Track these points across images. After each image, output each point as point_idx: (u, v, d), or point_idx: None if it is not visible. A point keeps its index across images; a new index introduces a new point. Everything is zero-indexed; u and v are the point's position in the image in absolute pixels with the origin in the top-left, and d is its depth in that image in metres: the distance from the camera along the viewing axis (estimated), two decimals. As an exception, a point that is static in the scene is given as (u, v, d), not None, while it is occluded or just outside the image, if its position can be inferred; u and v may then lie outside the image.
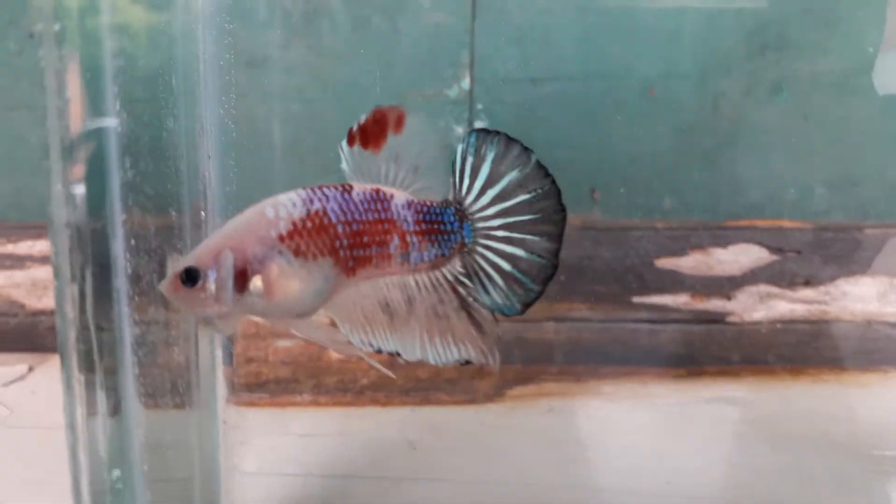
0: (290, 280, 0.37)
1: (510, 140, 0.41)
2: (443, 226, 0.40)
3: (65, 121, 0.38)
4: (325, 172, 0.41)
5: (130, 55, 0.39)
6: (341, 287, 0.38)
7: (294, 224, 0.37)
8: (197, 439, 0.48)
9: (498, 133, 0.42)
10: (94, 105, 0.39)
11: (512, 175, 0.42)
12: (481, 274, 0.41)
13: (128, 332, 0.43)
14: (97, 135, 0.39)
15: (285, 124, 0.76)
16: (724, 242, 0.75)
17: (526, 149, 0.42)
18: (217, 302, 0.36)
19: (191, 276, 0.36)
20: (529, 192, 0.41)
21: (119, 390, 0.44)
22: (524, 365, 0.73)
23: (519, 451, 0.58)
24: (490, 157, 0.41)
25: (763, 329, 0.75)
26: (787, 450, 0.59)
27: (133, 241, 0.42)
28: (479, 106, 0.78)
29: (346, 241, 0.38)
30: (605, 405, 0.65)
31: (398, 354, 0.42)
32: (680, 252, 0.75)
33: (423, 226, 0.40)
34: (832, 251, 0.75)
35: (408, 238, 0.39)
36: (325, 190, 0.38)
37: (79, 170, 0.39)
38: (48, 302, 0.78)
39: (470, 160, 0.41)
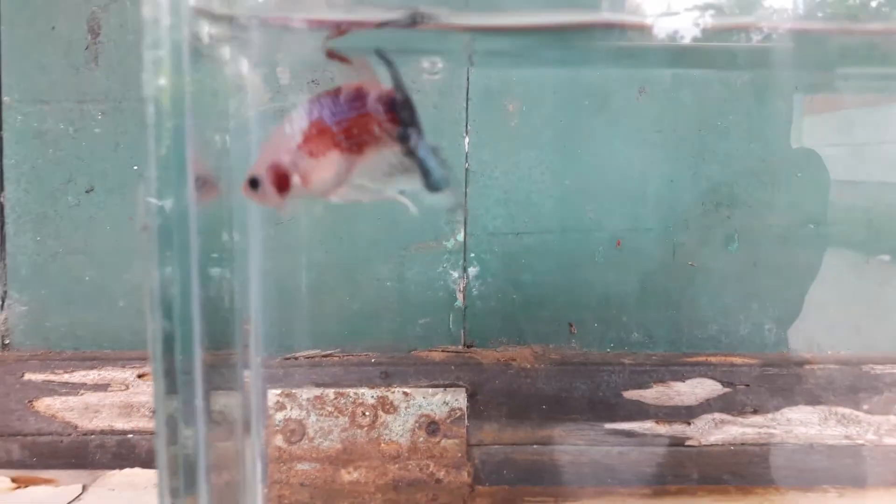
0: (313, 173, 0.48)
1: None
2: (402, 112, 0.49)
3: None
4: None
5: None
6: (354, 162, 0.49)
7: (304, 133, 0.48)
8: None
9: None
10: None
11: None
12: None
13: (203, 453, 0.48)
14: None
15: (309, 271, 0.89)
16: (682, 377, 0.86)
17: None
18: (272, 199, 0.48)
19: (253, 184, 0.48)
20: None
21: None
22: (511, 486, 0.85)
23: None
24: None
25: (718, 451, 0.86)
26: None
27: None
28: (472, 255, 0.90)
29: (342, 137, 0.48)
30: (578, 528, 0.76)
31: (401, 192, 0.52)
32: (644, 385, 0.86)
33: (391, 114, 0.49)
34: (777, 384, 0.87)
35: (383, 125, 0.49)
36: (321, 99, 0.48)
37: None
38: (98, 423, 0.89)
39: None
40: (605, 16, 0.51)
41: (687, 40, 0.51)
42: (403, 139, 0.50)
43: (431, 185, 0.51)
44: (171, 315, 0.41)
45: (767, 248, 0.90)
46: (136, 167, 0.93)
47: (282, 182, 0.49)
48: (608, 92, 0.89)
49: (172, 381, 0.44)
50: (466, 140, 0.89)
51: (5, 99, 0.92)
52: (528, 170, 0.89)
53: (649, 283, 0.90)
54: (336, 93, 0.48)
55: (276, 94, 0.55)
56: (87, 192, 0.93)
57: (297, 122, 0.48)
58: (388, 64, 0.48)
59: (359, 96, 0.48)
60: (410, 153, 0.50)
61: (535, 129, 0.89)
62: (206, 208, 0.43)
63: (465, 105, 0.89)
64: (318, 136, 0.49)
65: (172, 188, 0.36)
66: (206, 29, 0.38)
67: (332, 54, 0.50)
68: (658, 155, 0.90)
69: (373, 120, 0.48)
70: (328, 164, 0.49)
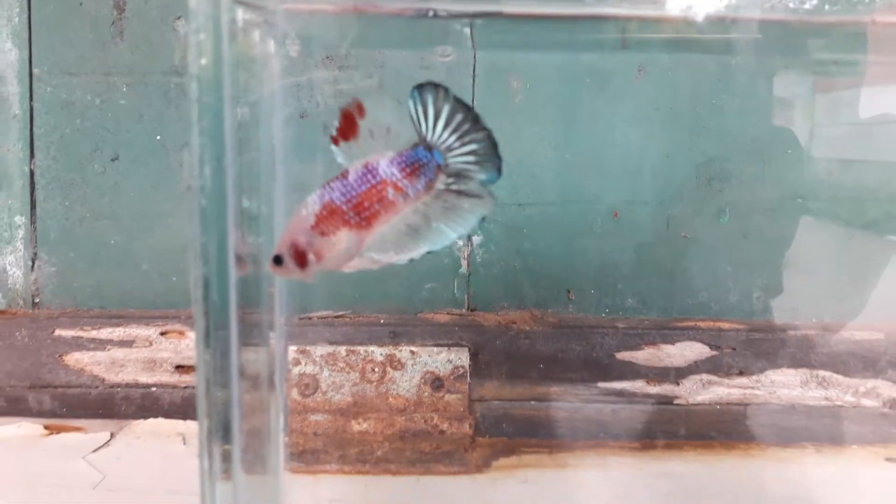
0: (324, 250, 0.53)
1: (436, 85, 0.53)
2: (419, 161, 0.52)
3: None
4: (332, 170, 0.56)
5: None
6: (367, 236, 0.53)
7: (316, 216, 0.52)
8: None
9: (425, 84, 0.53)
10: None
11: (446, 107, 0.52)
12: (462, 171, 0.54)
13: (237, 402, 0.53)
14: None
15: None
16: (672, 340, 0.92)
17: (445, 88, 0.53)
18: (295, 273, 0.54)
19: (277, 261, 0.53)
20: (460, 113, 0.53)
21: (232, 458, 0.53)
22: (509, 438, 0.91)
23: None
24: (430, 101, 0.52)
25: (704, 409, 0.92)
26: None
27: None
28: (477, 223, 0.95)
29: (352, 213, 0.52)
30: (570, 476, 0.82)
31: (429, 252, 0.54)
32: (636, 347, 0.92)
33: (407, 170, 0.52)
34: (762, 348, 0.92)
35: (399, 184, 0.52)
36: (331, 183, 0.53)
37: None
38: (124, 376, 0.95)
39: (420, 108, 0.52)
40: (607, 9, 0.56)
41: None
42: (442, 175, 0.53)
43: (497, 168, 0.55)
44: (209, 271, 0.46)
45: (757, 220, 0.95)
46: (158, 137, 0.98)
47: (300, 259, 0.54)
48: (609, 71, 0.94)
49: (209, 337, 0.49)
50: (472, 115, 0.94)
51: (35, 71, 0.97)
52: (530, 144, 0.94)
53: (644, 252, 0.95)
54: (344, 175, 0.53)
55: (287, 66, 0.59)
56: (112, 160, 0.98)
57: (311, 206, 0.53)
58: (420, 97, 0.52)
59: (367, 171, 0.52)
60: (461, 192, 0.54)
61: (538, 105, 0.94)
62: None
63: (471, 82, 0.94)
64: (328, 216, 0.53)
65: (211, 156, 0.42)
66: (241, 15, 0.43)
67: (343, 130, 0.54)
68: (655, 131, 0.94)
69: (387, 185, 0.52)
70: (338, 241, 0.54)
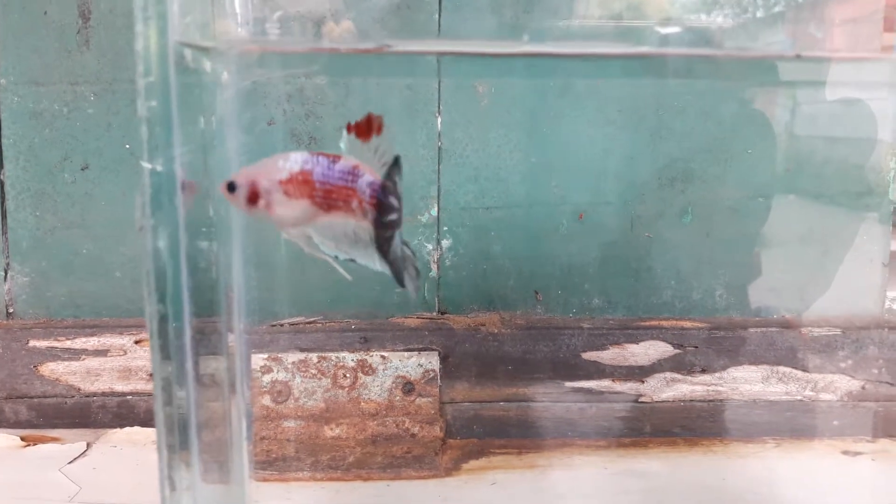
0: (278, 207, 0.54)
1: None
2: (387, 204, 0.55)
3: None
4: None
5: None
6: (319, 217, 0.55)
7: (290, 175, 0.54)
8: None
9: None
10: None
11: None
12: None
13: (193, 413, 0.54)
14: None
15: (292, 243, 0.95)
16: (636, 339, 0.94)
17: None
18: (240, 205, 0.55)
19: (230, 187, 0.54)
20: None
21: (191, 467, 0.54)
22: (479, 439, 0.93)
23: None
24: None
25: (668, 406, 0.95)
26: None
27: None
28: (445, 228, 0.97)
29: (320, 194, 0.54)
30: (538, 476, 0.84)
31: (353, 260, 0.58)
32: (602, 347, 0.94)
33: (374, 199, 0.54)
34: (724, 346, 0.94)
35: (362, 203, 0.54)
36: (319, 157, 0.54)
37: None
38: (99, 386, 0.96)
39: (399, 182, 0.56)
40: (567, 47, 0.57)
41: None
42: (379, 228, 0.56)
43: (399, 281, 0.58)
44: (164, 288, 0.47)
45: (719, 219, 0.97)
46: (127, 146, 0.99)
47: (252, 198, 0.55)
48: (572, 74, 0.95)
49: (166, 348, 0.51)
50: (439, 119, 0.95)
51: (1, 81, 0.97)
52: (497, 147, 0.95)
53: (609, 252, 0.97)
54: (334, 159, 0.55)
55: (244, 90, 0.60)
56: (82, 169, 0.98)
57: (290, 163, 0.55)
58: (397, 167, 0.54)
59: (352, 172, 0.54)
60: (383, 245, 0.56)
61: (503, 108, 0.95)
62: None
63: (436, 86, 0.95)
64: (300, 183, 0.55)
65: (165, 196, 0.43)
66: (189, 54, 0.44)
67: (361, 127, 0.55)
68: (618, 133, 0.96)
69: (355, 196, 0.54)
70: (295, 208, 0.55)
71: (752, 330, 0.94)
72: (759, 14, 0.70)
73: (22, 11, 0.96)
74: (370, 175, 0.55)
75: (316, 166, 0.55)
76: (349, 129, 0.55)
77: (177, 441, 0.53)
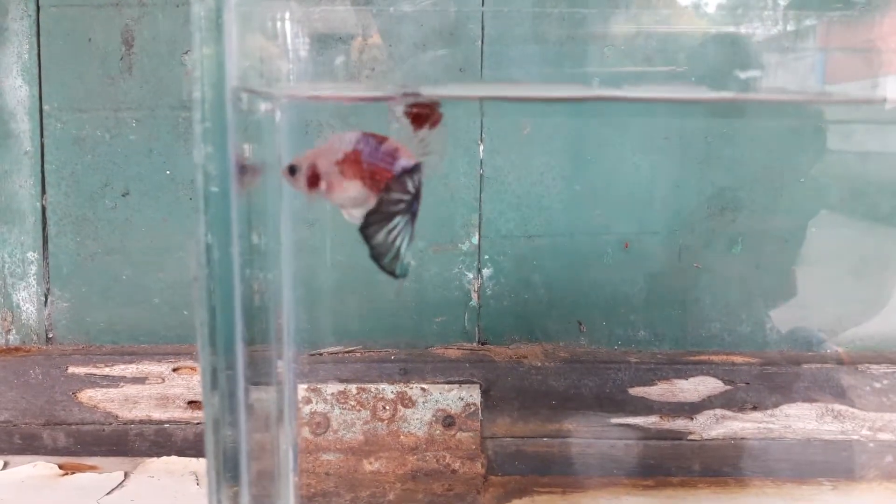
0: (337, 188, 0.55)
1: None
2: (400, 180, 0.55)
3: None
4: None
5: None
6: (371, 199, 0.55)
7: (344, 155, 0.54)
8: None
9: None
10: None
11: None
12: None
13: (244, 444, 0.53)
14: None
15: (333, 272, 0.94)
16: (685, 375, 0.91)
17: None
18: (301, 188, 0.56)
19: (292, 170, 0.55)
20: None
21: (240, 500, 0.53)
22: (521, 476, 0.90)
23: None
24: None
25: (718, 444, 0.91)
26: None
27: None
28: (486, 256, 0.95)
29: (368, 174, 0.54)
30: (583, 517, 0.82)
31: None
32: (649, 382, 0.91)
33: (391, 175, 0.54)
34: (776, 382, 0.91)
35: (392, 185, 0.54)
36: (369, 138, 0.55)
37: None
38: (137, 413, 0.96)
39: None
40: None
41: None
42: (380, 203, 0.55)
43: (392, 270, 0.57)
44: (214, 314, 0.46)
45: (770, 250, 0.94)
46: (168, 172, 0.98)
47: (313, 180, 0.56)
48: (616, 100, 0.93)
49: (216, 377, 0.49)
50: (481, 147, 0.94)
51: (45, 107, 0.97)
52: (539, 175, 0.93)
53: (656, 283, 0.94)
54: (380, 140, 0.55)
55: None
56: (123, 195, 0.98)
57: (345, 143, 0.55)
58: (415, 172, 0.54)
59: (392, 154, 0.54)
60: (372, 224, 0.56)
61: (546, 136, 0.93)
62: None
63: (479, 113, 0.93)
64: (353, 162, 0.55)
65: (219, 235, 0.41)
66: (246, 98, 0.43)
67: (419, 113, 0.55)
68: (665, 161, 0.93)
69: (387, 176, 0.55)
70: (350, 188, 0.56)
71: (805, 366, 0.91)
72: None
73: (66, 38, 0.96)
74: (406, 159, 0.55)
75: (366, 146, 0.55)
76: (408, 113, 0.55)
77: (226, 471, 0.52)
